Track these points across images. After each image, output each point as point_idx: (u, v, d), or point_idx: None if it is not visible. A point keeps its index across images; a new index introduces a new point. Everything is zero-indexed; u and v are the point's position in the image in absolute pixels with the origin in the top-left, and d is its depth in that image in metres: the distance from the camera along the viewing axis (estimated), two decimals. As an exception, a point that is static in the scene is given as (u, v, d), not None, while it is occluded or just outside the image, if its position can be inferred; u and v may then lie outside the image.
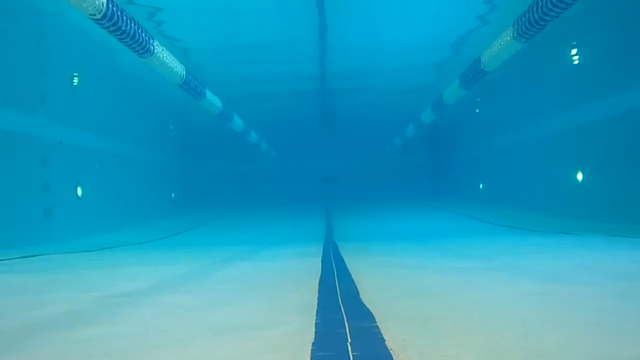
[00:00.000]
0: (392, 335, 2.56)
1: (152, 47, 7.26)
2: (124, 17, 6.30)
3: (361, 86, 14.74)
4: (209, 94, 10.76)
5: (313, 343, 2.46)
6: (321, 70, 13.95)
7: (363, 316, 2.98)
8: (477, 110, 16.57)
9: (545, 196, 11.71)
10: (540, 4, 6.27)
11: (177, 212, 16.19)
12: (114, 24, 6.17)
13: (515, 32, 7.15)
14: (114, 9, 6.04)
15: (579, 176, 10.36)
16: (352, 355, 2.25)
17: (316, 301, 3.48)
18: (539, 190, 12.08)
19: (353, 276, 4.55)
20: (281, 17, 9.48)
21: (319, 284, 4.18)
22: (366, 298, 3.50)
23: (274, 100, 15.80)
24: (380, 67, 12.63)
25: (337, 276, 4.62)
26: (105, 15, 5.92)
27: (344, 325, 2.76)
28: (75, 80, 10.34)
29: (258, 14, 9.28)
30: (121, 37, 6.54)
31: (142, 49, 7.08)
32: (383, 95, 15.53)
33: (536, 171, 12.32)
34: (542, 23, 6.52)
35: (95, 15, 5.84)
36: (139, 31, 6.75)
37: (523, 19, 6.82)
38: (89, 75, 10.72)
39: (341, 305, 3.29)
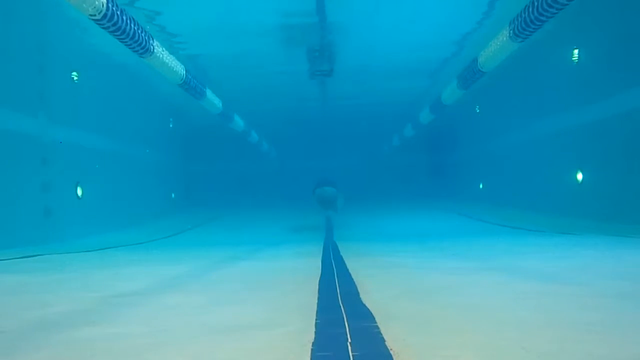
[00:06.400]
0: (392, 335, 2.56)
1: (152, 47, 7.27)
2: (124, 18, 6.31)
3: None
4: (209, 94, 10.76)
5: (313, 343, 2.46)
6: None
7: (363, 316, 2.98)
8: (477, 110, 16.57)
9: (545, 196, 11.70)
10: (536, 3, 6.27)
11: (177, 212, 16.20)
12: (113, 24, 6.17)
13: (511, 32, 7.15)
14: (114, 9, 6.04)
15: (579, 176, 10.36)
16: (352, 355, 2.25)
17: (316, 301, 3.49)
18: (539, 190, 12.08)
19: (353, 276, 4.55)
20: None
21: (319, 284, 4.19)
22: (366, 298, 3.50)
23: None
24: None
25: (337, 276, 4.63)
26: (105, 15, 5.92)
27: (344, 325, 2.76)
28: (75, 79, 10.34)
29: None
30: (121, 37, 6.55)
31: (142, 49, 7.09)
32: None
33: (536, 171, 12.32)
34: (538, 23, 6.52)
35: (95, 15, 5.84)
36: (139, 31, 6.76)
37: (519, 19, 6.81)
38: (87, 74, 10.72)
39: (341, 305, 3.30)
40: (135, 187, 13.31)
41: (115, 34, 6.40)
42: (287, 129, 19.74)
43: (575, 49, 10.28)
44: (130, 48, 6.99)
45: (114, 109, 11.95)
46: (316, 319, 2.93)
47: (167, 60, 7.94)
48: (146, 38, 7.03)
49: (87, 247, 8.15)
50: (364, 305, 3.26)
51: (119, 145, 12.34)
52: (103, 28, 6.23)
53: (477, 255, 6.30)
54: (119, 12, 6.14)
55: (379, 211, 15.84)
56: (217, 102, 11.50)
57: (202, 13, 9.29)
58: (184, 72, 8.82)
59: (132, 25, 6.53)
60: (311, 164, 20.74)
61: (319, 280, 4.37)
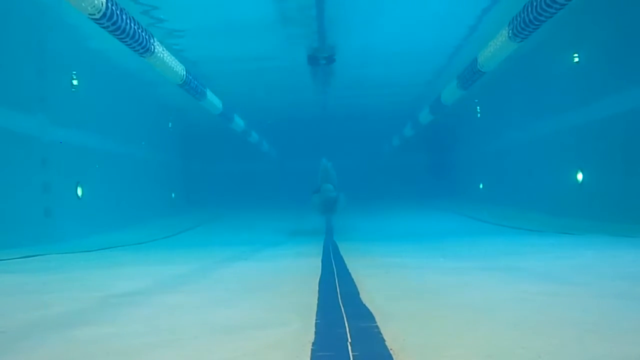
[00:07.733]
0: (392, 335, 2.56)
1: (152, 46, 7.26)
2: (124, 17, 6.30)
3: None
4: (210, 94, 10.76)
5: (313, 343, 2.46)
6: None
7: (363, 316, 2.98)
8: (478, 112, 16.58)
9: (545, 196, 11.70)
10: (534, 3, 6.26)
11: (177, 212, 16.19)
12: (113, 24, 6.16)
13: (510, 31, 7.14)
14: (114, 8, 6.03)
15: (579, 176, 10.36)
16: (352, 355, 2.25)
17: (316, 301, 3.48)
18: (539, 190, 12.08)
19: (353, 276, 4.55)
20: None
21: (319, 284, 4.19)
22: (366, 298, 3.50)
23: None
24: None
25: (337, 276, 4.62)
26: (104, 14, 5.91)
27: (344, 325, 2.76)
28: (74, 80, 10.34)
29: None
30: (121, 36, 6.54)
31: (142, 48, 7.07)
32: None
33: (536, 171, 12.32)
34: (537, 23, 6.52)
35: (94, 14, 5.83)
36: (139, 31, 6.75)
37: (518, 19, 6.81)
38: (86, 74, 10.71)
39: (341, 305, 3.29)
40: (135, 187, 13.31)
41: (115, 33, 6.39)
42: (286, 128, 19.71)
43: (575, 48, 10.27)
44: (130, 48, 6.98)
45: (113, 109, 11.94)
46: (316, 319, 2.92)
47: (167, 60, 7.93)
48: (146, 37, 7.02)
49: (87, 247, 8.14)
50: (364, 305, 3.26)
51: (119, 145, 12.34)
52: (102, 27, 6.22)
53: (477, 255, 6.29)
54: (118, 12, 6.13)
55: (379, 211, 15.83)
56: (217, 102, 11.50)
57: (199, 8, 9.10)
58: (184, 72, 8.82)
59: (132, 25, 6.52)
60: (311, 164, 20.66)
61: (319, 280, 4.37)
